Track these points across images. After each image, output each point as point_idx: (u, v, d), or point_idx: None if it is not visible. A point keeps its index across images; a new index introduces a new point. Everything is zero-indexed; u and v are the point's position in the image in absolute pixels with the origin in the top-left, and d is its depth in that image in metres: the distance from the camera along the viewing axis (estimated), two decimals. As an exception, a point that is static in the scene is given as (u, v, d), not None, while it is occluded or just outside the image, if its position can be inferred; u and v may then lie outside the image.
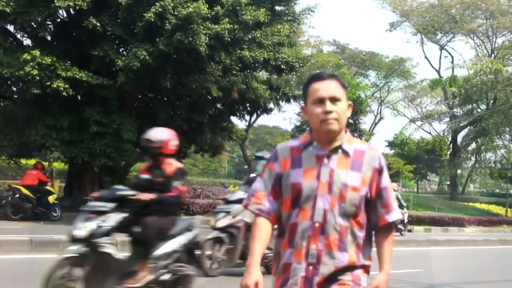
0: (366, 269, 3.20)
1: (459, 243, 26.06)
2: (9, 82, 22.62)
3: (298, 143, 3.28)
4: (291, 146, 3.27)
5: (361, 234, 3.14)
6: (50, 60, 19.95)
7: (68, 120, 21.11)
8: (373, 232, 3.30)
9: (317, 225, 3.03)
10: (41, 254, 12.76)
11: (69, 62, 20.64)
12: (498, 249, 25.40)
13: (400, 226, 29.27)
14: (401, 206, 26.53)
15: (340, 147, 3.14)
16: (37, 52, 20.11)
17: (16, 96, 23.05)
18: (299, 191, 3.08)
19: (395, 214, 3.20)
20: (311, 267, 3.00)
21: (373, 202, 3.18)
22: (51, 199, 20.98)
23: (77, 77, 20.21)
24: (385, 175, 3.22)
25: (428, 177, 59.99)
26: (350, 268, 3.10)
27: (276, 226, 3.33)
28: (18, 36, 23.99)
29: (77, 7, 20.49)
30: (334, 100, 3.08)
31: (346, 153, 3.14)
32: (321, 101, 3.07)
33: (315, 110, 3.08)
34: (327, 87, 3.09)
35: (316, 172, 3.10)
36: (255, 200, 3.27)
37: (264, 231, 3.24)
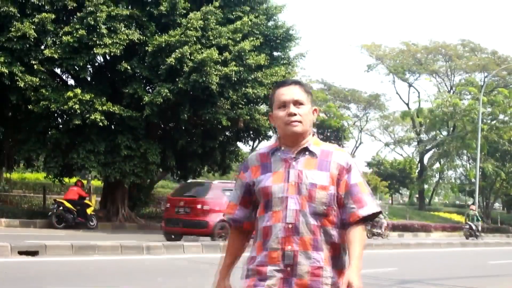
0: (342, 269, 2.69)
1: (427, 246, 26.11)
2: (55, 115, 22.69)
3: (267, 150, 2.87)
4: (260, 153, 2.88)
5: (334, 233, 2.68)
6: (89, 96, 20.49)
7: (103, 145, 21.43)
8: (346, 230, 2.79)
9: (289, 226, 2.61)
10: (80, 257, 13.01)
11: (104, 98, 21.08)
12: (459, 251, 25.37)
13: (379, 231, 29.21)
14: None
15: (306, 148, 2.74)
16: (78, 91, 20.72)
17: (61, 126, 22.91)
18: (269, 195, 2.68)
19: (369, 208, 2.67)
20: (287, 269, 2.57)
21: (343, 200, 2.69)
22: (89, 211, 21.04)
23: (111, 110, 20.78)
24: (355, 172, 2.74)
25: (400, 191, 60.00)
26: (327, 268, 2.63)
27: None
28: (64, 77, 24.23)
29: (112, 54, 21.08)
30: (297, 103, 2.73)
31: (312, 154, 2.73)
32: (284, 105, 2.72)
33: (280, 114, 2.73)
34: (290, 92, 2.75)
35: (284, 175, 2.69)
36: (228, 210, 2.91)
37: (236, 242, 2.90)
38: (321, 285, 2.52)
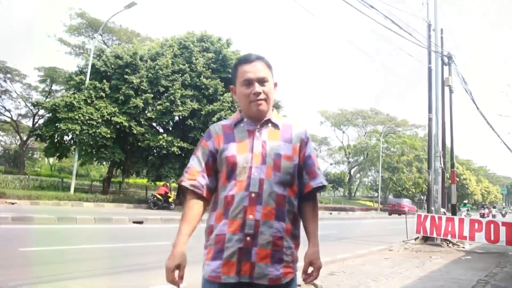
0: (298, 240, 1.81)
1: (353, 219, 27.14)
2: (152, 148, 22.85)
3: (230, 121, 1.90)
4: (223, 124, 1.90)
5: (296, 203, 1.80)
6: (170, 138, 21.74)
7: (178, 165, 21.92)
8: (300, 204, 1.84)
9: (253, 195, 1.70)
10: (166, 224, 13.20)
11: (179, 139, 22.03)
12: (372, 222, 25.57)
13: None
14: None
15: (269, 120, 1.85)
16: (165, 135, 22.01)
17: (155, 154, 22.89)
18: (234, 164, 1.75)
19: (319, 180, 1.84)
20: (248, 238, 1.67)
21: (300, 171, 1.82)
22: (170, 200, 21.00)
23: (183, 146, 21.70)
24: (310, 145, 1.88)
25: (338, 189, 65.32)
26: (287, 238, 1.73)
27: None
28: (157, 128, 24.45)
29: (182, 115, 22.39)
30: (262, 81, 1.82)
31: (275, 126, 1.85)
32: (249, 82, 1.81)
33: (244, 91, 1.81)
34: (254, 69, 1.82)
35: (249, 145, 1.79)
36: (188, 176, 1.83)
37: (195, 211, 1.80)
38: (283, 255, 1.70)
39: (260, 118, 1.86)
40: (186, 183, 1.84)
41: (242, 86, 1.85)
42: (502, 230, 10.34)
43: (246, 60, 1.87)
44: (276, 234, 1.72)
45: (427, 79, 13.20)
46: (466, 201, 55.89)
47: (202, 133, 21.96)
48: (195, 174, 1.85)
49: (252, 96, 1.82)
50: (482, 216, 33.59)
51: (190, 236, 1.78)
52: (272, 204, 1.73)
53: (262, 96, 1.83)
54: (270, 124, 1.87)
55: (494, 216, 36.68)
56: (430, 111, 12.97)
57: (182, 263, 1.72)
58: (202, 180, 1.84)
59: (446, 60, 13.67)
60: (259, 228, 1.69)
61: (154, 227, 12.23)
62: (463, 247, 11.67)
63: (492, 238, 10.49)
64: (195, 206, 1.83)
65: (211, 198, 1.86)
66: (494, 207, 50.03)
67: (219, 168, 1.83)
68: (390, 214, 39.19)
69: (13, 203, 15.86)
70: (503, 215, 47.98)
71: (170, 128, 24.02)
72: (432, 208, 12.40)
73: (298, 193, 1.84)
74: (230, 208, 1.73)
